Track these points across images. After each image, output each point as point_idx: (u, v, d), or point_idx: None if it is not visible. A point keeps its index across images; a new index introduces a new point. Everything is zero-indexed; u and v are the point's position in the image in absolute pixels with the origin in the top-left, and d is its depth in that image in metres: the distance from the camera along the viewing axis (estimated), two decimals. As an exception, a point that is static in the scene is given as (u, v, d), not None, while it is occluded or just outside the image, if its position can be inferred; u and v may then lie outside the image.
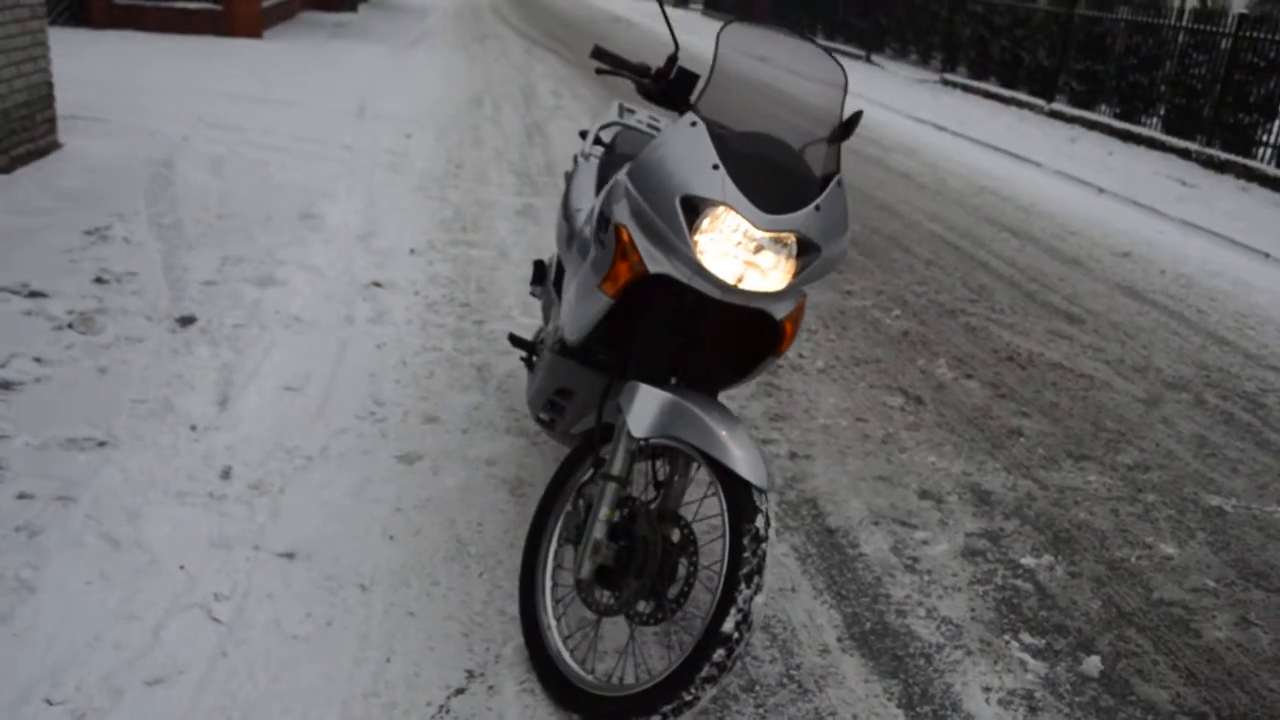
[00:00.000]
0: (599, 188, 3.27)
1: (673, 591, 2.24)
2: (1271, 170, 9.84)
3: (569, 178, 3.65)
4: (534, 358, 3.17)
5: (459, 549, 2.85)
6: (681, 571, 2.25)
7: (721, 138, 2.18)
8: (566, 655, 2.34)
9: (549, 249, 5.62)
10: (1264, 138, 10.37)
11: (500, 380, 3.95)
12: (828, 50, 2.39)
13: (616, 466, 2.25)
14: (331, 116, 8.52)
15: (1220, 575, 3.18)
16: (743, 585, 2.04)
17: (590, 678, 2.29)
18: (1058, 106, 13.41)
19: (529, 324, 4.54)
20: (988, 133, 11.80)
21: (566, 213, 3.29)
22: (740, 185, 2.11)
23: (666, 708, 2.08)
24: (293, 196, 5.96)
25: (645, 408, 2.21)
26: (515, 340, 3.24)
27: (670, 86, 2.40)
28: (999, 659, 2.67)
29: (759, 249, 2.12)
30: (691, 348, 2.35)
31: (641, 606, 2.23)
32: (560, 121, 9.63)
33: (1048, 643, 2.76)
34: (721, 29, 2.34)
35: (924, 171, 9.38)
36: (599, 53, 2.54)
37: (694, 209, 2.12)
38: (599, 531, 2.23)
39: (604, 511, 2.24)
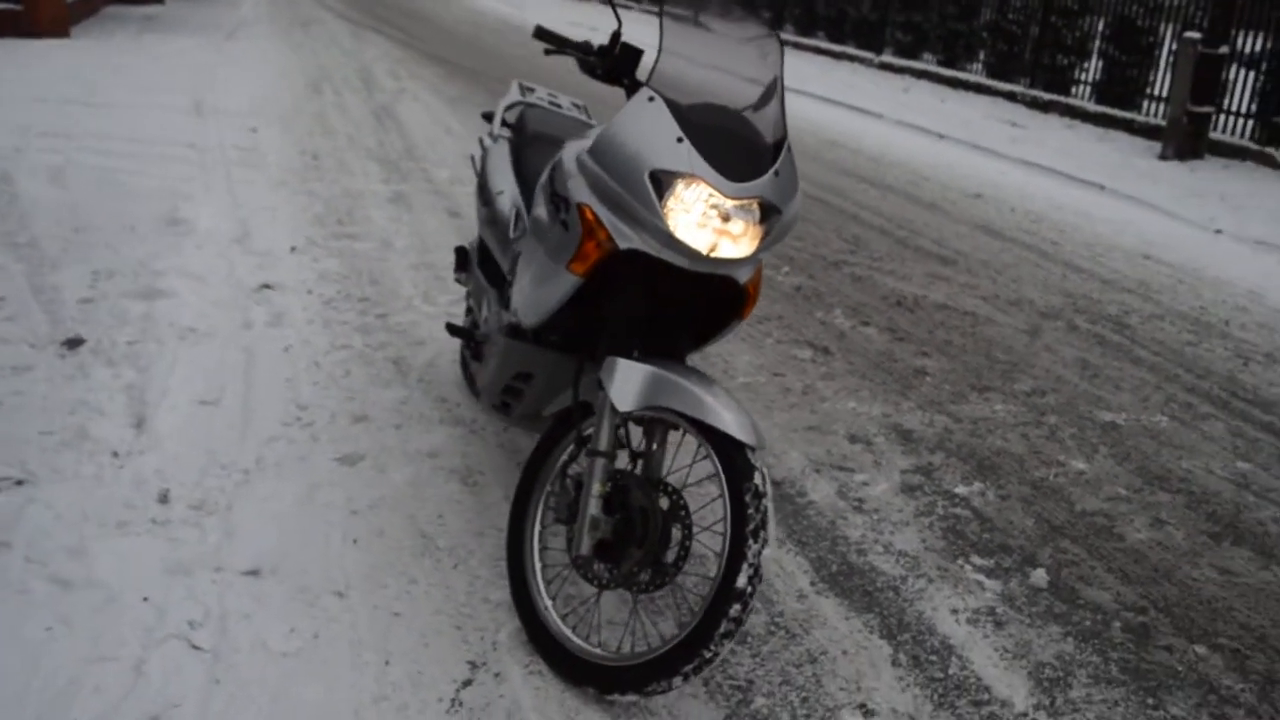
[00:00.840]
0: (516, 168, 3.26)
1: (670, 556, 2.29)
2: (1092, 107, 10.56)
3: (480, 161, 3.61)
4: (474, 345, 3.14)
5: (426, 544, 2.82)
6: (676, 536, 2.30)
7: (679, 110, 2.22)
8: (569, 633, 2.36)
9: (437, 236, 5.54)
10: (1080, 77, 11.11)
11: (420, 372, 3.89)
12: (756, 12, 2.45)
13: (603, 442, 2.28)
14: (166, 115, 8.05)
15: (1128, 483, 3.46)
16: (750, 541, 2.10)
17: (599, 650, 2.32)
18: (887, 58, 13.97)
19: (433, 312, 4.47)
20: (825, 88, 12.19)
21: (485, 196, 3.26)
22: (705, 156, 2.15)
23: (688, 667, 2.13)
24: (150, 202, 5.64)
25: (627, 381, 2.24)
26: (453, 329, 3.20)
27: (616, 63, 2.41)
28: (957, 582, 2.85)
29: (728, 217, 2.17)
30: (658, 318, 2.39)
31: (643, 575, 2.27)
32: (407, 103, 9.40)
33: (996, 562, 2.96)
34: (664, 3, 2.37)
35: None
36: (541, 33, 2.53)
37: (660, 183, 2.16)
38: (594, 508, 2.26)
39: (596, 487, 2.26)
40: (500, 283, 3.20)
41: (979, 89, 12.12)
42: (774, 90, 2.36)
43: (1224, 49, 8.52)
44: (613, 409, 2.26)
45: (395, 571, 2.69)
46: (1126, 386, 4.26)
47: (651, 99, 2.23)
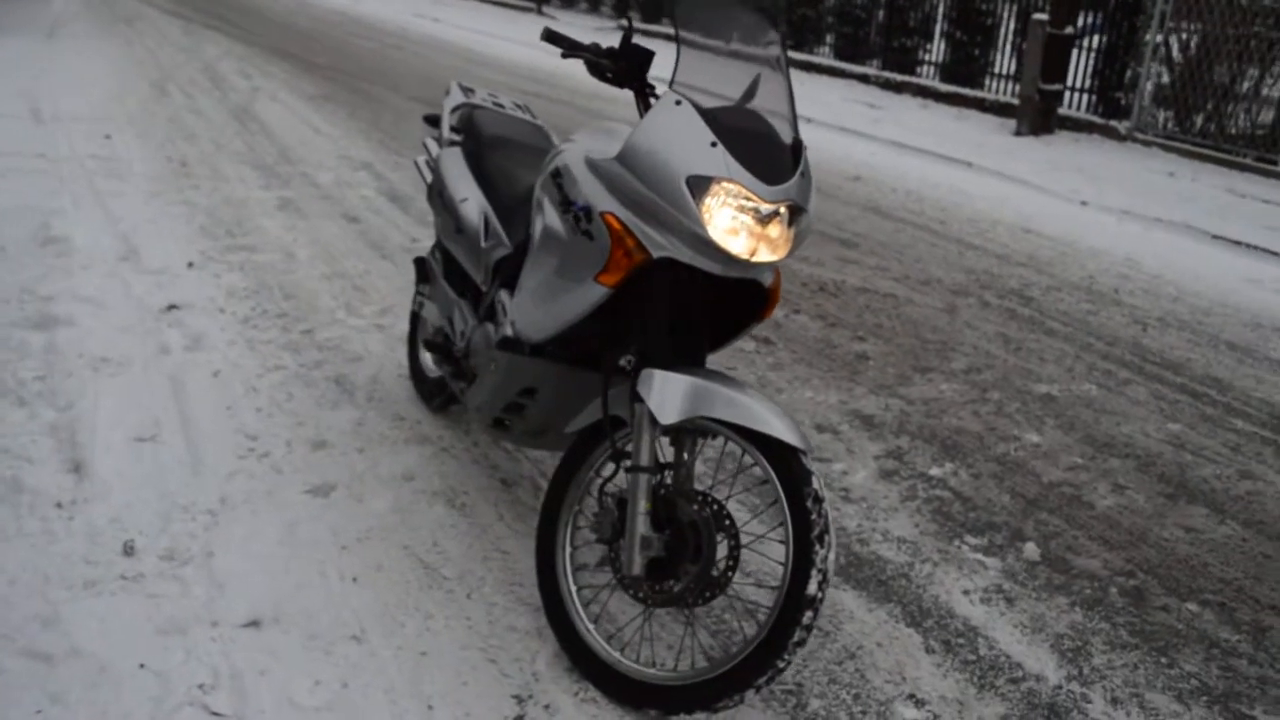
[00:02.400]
0: (477, 174, 3.13)
1: (718, 568, 2.24)
2: (943, 87, 11.02)
3: (428, 167, 3.45)
4: (454, 362, 2.98)
5: (431, 575, 2.67)
6: (722, 548, 2.25)
7: (706, 113, 2.16)
8: (619, 656, 2.28)
9: (339, 244, 5.27)
10: (926, 58, 11.58)
11: (367, 390, 3.69)
12: (762, 11, 2.42)
13: (645, 456, 2.21)
14: (3, 124, 7.37)
15: (1081, 452, 3.63)
16: (817, 546, 2.08)
17: (655, 671, 2.25)
18: (738, 45, 14.18)
19: (360, 325, 4.26)
20: (686, 76, 12.26)
21: (446, 204, 3.12)
22: (739, 160, 2.11)
23: (760, 679, 2.10)
24: (15, 220, 5.15)
25: (668, 393, 2.18)
26: (431, 346, 3.04)
27: (628, 66, 2.33)
28: (960, 564, 2.91)
29: (767, 221, 2.14)
30: (680, 324, 2.34)
31: (704, 591, 2.22)
32: (265, 103, 8.93)
33: (988, 540, 3.04)
34: (676, 5, 2.30)
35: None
36: (551, 36, 2.41)
37: (696, 189, 2.10)
38: (643, 526, 2.18)
39: (643, 504, 2.19)
40: (471, 293, 3.07)
41: (831, 72, 12.46)
42: (787, 90, 2.34)
43: (1070, 29, 9.02)
44: (653, 422, 2.20)
45: (407, 608, 2.54)
46: (1050, 358, 4.46)
47: (678, 103, 2.16)
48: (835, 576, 2.80)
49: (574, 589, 2.39)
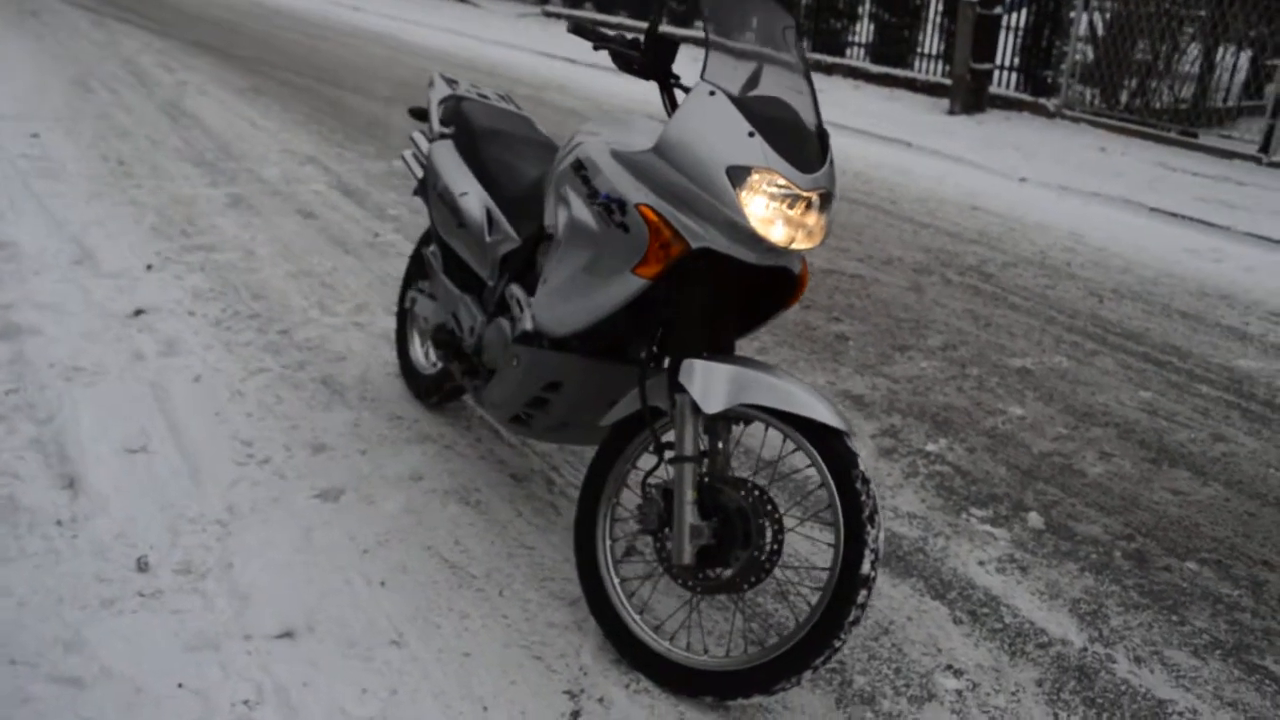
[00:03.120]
0: (474, 167, 3.09)
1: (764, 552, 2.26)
2: (874, 68, 11.19)
3: (418, 161, 3.39)
4: (465, 360, 2.94)
5: (459, 575, 2.64)
6: (767, 532, 2.27)
7: (740, 103, 2.17)
8: (668, 645, 2.29)
9: (300, 240, 5.13)
10: (853, 39, 11.73)
11: (357, 390, 3.62)
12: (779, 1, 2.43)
13: (689, 446, 2.22)
14: (-83, 124, 7.02)
15: (1064, 422, 3.74)
16: (869, 526, 2.11)
17: (705, 657, 2.27)
18: (668, 29, 14.18)
19: (336, 323, 4.17)
20: (618, 61, 12.22)
21: (445, 199, 3.07)
22: (776, 149, 2.12)
23: (818, 659, 2.12)
24: (-48, 227, 4.91)
25: (712, 383, 2.19)
26: (439, 343, 2.99)
27: (654, 57, 2.32)
28: (971, 536, 2.98)
29: (804, 209, 2.15)
30: (717, 313, 2.35)
31: (752, 576, 2.24)
32: (195, 98, 8.64)
33: (993, 511, 3.12)
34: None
35: (585, 107, 9.58)
36: (578, 28, 2.39)
37: (735, 178, 2.10)
38: (691, 515, 2.19)
39: (690, 494, 2.20)
40: (474, 288, 3.03)
41: (762, 56, 12.53)
42: (806, 76, 2.35)
43: (998, 9, 9.24)
44: (695, 411, 2.21)
45: (441, 609, 2.50)
46: (1018, 332, 4.58)
47: (712, 93, 2.16)
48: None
49: (618, 582, 2.39)
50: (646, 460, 2.41)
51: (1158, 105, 8.96)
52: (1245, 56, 9.27)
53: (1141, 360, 4.36)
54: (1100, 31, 9.24)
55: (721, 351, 2.31)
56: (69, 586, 2.48)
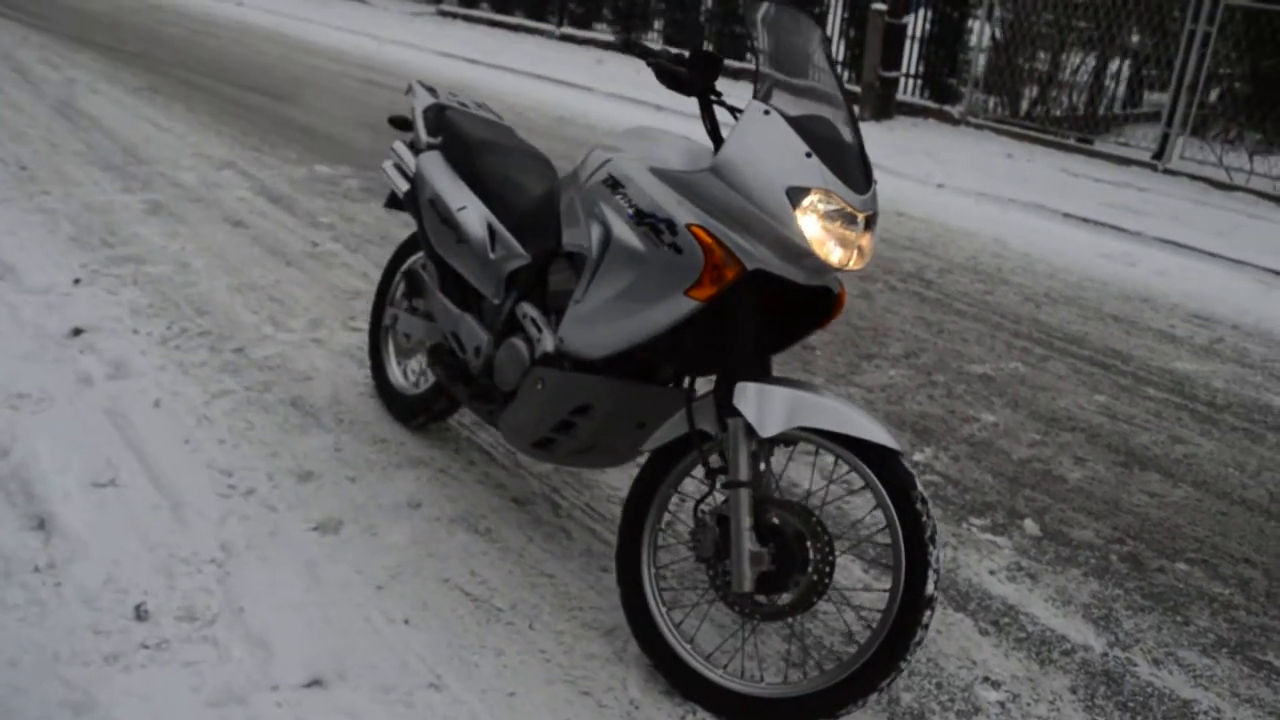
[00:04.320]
0: (467, 180, 2.99)
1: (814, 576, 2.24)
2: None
3: (402, 173, 3.26)
4: (471, 383, 2.83)
5: (482, 608, 2.54)
6: (814, 554, 2.25)
7: (795, 123, 2.14)
8: (720, 673, 2.25)
9: (235, 251, 4.88)
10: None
11: (331, 411, 3.45)
12: (800, 7, 2.42)
13: (744, 471, 2.18)
14: None
15: (1035, 428, 3.85)
16: (930, 546, 2.12)
17: (764, 685, 2.23)
18: (567, 30, 14.09)
19: (294, 339, 3.98)
20: (519, 61, 12.08)
21: (440, 213, 2.96)
22: (832, 169, 2.11)
23: (884, 681, 2.12)
24: None
25: (768, 406, 2.16)
26: (440, 365, 2.87)
27: (699, 74, 2.28)
28: (976, 545, 3.03)
29: (858, 229, 2.15)
30: (761, 334, 2.32)
31: (812, 599, 2.21)
32: (87, 97, 8.14)
33: (991, 520, 3.18)
34: (752, 12, 2.27)
35: (498, 108, 9.41)
36: (628, 45, 2.33)
37: (795, 199, 2.09)
38: (749, 542, 2.16)
39: (746, 520, 2.17)
40: (474, 307, 2.93)
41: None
42: (844, 94, 2.35)
43: (906, 19, 9.49)
44: (749, 435, 2.17)
45: (474, 647, 2.40)
46: (971, 338, 4.70)
47: (767, 113, 2.14)
48: (872, 570, 2.86)
49: (665, 611, 2.33)
50: (689, 485, 2.36)
51: (1058, 113, 9.36)
52: (1128, 66, 9.77)
53: (1089, 364, 4.53)
54: (1000, 38, 9.59)
55: (763, 372, 2.29)
56: (63, 641, 2.28)
